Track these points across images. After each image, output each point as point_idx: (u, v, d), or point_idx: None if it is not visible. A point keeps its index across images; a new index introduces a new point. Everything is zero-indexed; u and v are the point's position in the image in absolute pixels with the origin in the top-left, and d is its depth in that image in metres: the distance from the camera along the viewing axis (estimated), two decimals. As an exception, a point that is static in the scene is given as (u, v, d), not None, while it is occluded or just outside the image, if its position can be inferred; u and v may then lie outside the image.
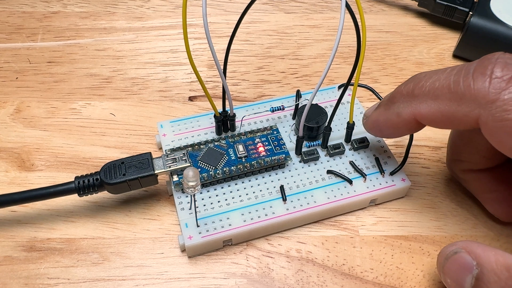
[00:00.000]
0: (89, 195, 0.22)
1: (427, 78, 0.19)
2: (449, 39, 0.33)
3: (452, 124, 0.19)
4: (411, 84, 0.20)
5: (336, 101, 0.22)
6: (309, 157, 0.24)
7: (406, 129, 0.21)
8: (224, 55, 0.23)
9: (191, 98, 0.29)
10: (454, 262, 0.19)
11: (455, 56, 0.31)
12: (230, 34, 0.22)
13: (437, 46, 0.32)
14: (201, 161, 0.23)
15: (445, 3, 0.31)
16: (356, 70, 0.21)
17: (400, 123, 0.20)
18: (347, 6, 0.20)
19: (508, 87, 0.17)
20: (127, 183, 0.21)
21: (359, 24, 0.20)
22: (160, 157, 0.22)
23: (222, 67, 0.22)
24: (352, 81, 0.22)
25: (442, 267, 0.19)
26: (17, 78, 0.29)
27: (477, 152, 0.22)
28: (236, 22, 0.22)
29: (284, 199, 0.22)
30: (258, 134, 0.24)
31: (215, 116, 0.24)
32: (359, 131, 0.25)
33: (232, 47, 0.31)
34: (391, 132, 0.22)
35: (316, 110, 0.24)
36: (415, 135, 0.26)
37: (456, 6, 0.31)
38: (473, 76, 0.17)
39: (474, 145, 0.21)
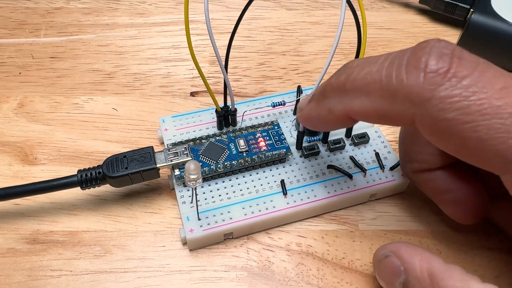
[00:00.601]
0: (91, 189, 0.22)
1: (359, 70, 0.17)
2: (450, 36, 0.33)
3: (389, 122, 0.17)
4: (342, 77, 0.18)
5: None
6: (310, 152, 0.24)
7: (340, 125, 0.19)
8: (225, 51, 0.23)
9: (192, 94, 0.29)
10: (385, 266, 0.18)
11: (456, 53, 0.31)
12: (232, 30, 0.22)
13: (438, 43, 0.32)
14: (202, 155, 0.23)
15: (446, 0, 0.32)
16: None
17: (332, 119, 0.18)
18: (348, 3, 0.20)
19: (443, 82, 0.15)
20: (129, 177, 0.22)
21: (360, 20, 0.21)
22: (161, 151, 0.23)
23: (223, 63, 0.22)
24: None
25: (375, 270, 0.19)
26: (20, 73, 0.29)
27: (425, 150, 0.20)
28: (237, 18, 0.22)
29: (285, 193, 0.22)
30: (259, 129, 0.24)
31: (216, 111, 0.24)
32: (359, 126, 0.25)
33: (234, 43, 0.32)
34: (325, 127, 0.21)
35: (317, 106, 0.25)
36: (415, 131, 0.27)
37: (457, 3, 0.31)
38: (406, 69, 0.16)
39: (421, 142, 0.20)
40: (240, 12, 0.22)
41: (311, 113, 0.20)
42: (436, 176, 0.20)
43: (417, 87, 0.15)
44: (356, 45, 0.22)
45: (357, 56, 0.22)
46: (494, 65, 0.16)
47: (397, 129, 0.27)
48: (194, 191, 0.21)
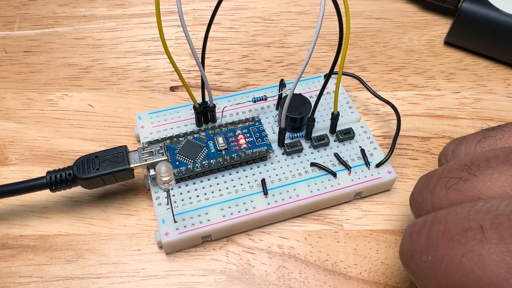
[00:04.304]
0: (62, 191, 0.21)
1: None
2: (441, 26, 0.32)
3: None
4: None
5: (323, 90, 0.21)
6: (292, 149, 0.23)
7: None
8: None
9: (172, 88, 0.28)
10: None
11: (447, 43, 0.30)
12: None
13: (428, 33, 0.31)
14: (179, 154, 0.22)
15: (437, -12, 0.30)
16: (340, 58, 0.20)
17: None
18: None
19: None
20: (101, 178, 0.21)
21: (342, 9, 0.19)
22: (136, 150, 0.21)
23: (199, 56, 0.21)
24: (336, 70, 0.21)
25: None
26: (-8, 68, 0.28)
27: None
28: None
29: (266, 193, 0.21)
30: (240, 125, 0.23)
31: (194, 107, 0.23)
32: (344, 122, 0.24)
33: (216, 34, 0.31)
34: None
35: (300, 100, 0.23)
36: (403, 125, 0.26)
37: (447, -9, 0.30)
38: None
39: None
40: (217, 2, 0.21)
41: None
42: None
43: None
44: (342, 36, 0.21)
45: (339, 45, 0.20)
46: None
47: (384, 124, 0.26)
48: (168, 194, 0.20)
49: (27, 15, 0.31)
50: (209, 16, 0.31)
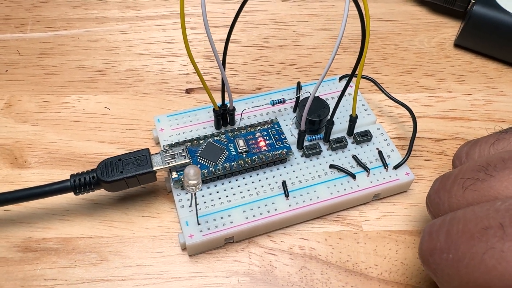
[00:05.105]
0: (85, 193, 0.21)
1: None
2: (450, 28, 0.32)
3: None
4: None
5: (340, 92, 0.22)
6: (311, 152, 0.23)
7: None
8: (222, 45, 0.22)
9: (188, 91, 0.28)
10: None
11: (456, 45, 0.31)
12: (227, 23, 0.22)
13: (438, 35, 0.31)
14: (200, 157, 0.22)
15: (447, -9, 0.31)
16: (361, 61, 0.21)
17: None
18: (352, -5, 0.19)
19: None
20: (125, 181, 0.21)
21: (363, 12, 0.20)
22: (158, 153, 0.22)
23: (220, 58, 0.21)
24: (355, 73, 0.21)
25: None
26: (6, 71, 0.28)
27: None
28: (233, 11, 0.21)
29: (287, 195, 0.22)
30: (259, 128, 0.24)
31: (214, 110, 0.23)
32: (362, 124, 0.24)
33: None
34: None
35: (318, 103, 0.24)
36: (418, 127, 0.26)
37: (457, -6, 0.31)
38: None
39: None
40: (239, 5, 0.21)
41: None
42: None
43: None
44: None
45: (361, 49, 0.20)
46: None
47: (398, 126, 0.26)
48: (193, 197, 0.20)
49: (39, 17, 0.31)
50: (221, 19, 0.31)
